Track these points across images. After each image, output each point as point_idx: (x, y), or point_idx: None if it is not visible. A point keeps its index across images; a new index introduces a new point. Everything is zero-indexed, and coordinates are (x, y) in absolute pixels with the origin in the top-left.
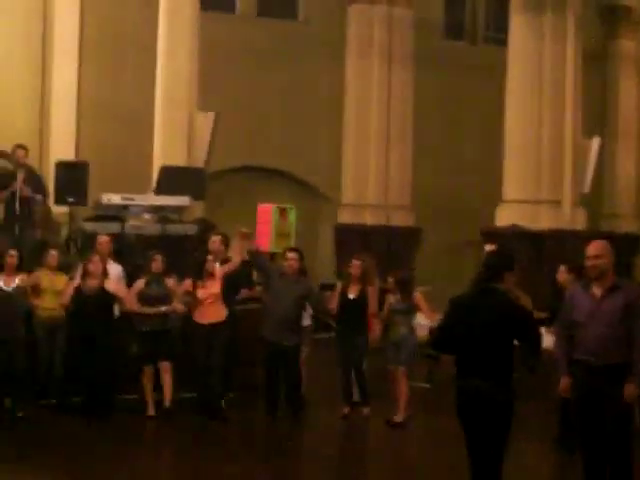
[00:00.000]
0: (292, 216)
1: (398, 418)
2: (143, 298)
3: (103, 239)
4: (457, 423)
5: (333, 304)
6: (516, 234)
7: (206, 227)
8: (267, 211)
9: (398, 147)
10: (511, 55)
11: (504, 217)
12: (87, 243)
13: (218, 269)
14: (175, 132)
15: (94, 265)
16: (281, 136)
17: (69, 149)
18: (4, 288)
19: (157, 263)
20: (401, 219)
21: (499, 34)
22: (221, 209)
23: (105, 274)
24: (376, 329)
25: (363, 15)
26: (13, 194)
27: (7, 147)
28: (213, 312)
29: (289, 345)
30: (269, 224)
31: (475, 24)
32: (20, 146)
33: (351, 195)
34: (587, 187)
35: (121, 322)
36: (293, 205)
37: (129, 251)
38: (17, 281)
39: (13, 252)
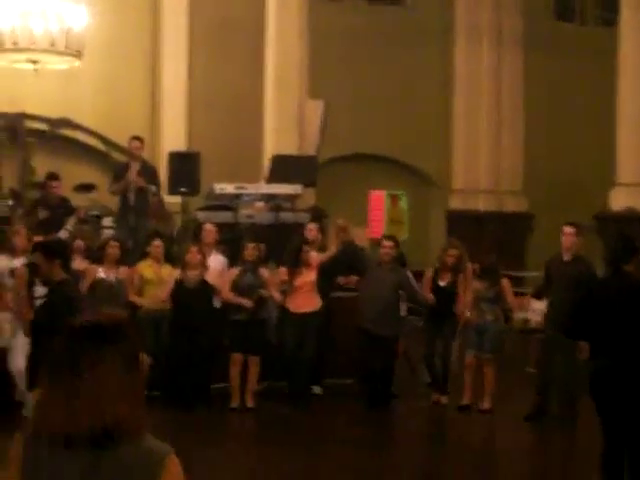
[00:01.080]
0: (404, 202)
1: (486, 404)
2: (238, 288)
3: (208, 227)
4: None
5: (428, 293)
6: (630, 218)
7: (318, 215)
8: (379, 198)
9: (509, 131)
10: (622, 35)
11: (618, 200)
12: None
13: (314, 257)
14: (286, 120)
15: (192, 256)
16: (391, 123)
17: (181, 140)
18: (105, 278)
19: (250, 251)
20: (513, 204)
21: (610, 14)
22: (333, 197)
23: (204, 265)
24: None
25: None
26: (128, 185)
27: (122, 140)
28: (307, 301)
29: (385, 335)
30: (381, 211)
31: (585, 4)
32: (135, 137)
33: (462, 181)
34: None
35: (219, 313)
36: (404, 191)
37: (241, 240)
38: (118, 272)
39: (114, 243)
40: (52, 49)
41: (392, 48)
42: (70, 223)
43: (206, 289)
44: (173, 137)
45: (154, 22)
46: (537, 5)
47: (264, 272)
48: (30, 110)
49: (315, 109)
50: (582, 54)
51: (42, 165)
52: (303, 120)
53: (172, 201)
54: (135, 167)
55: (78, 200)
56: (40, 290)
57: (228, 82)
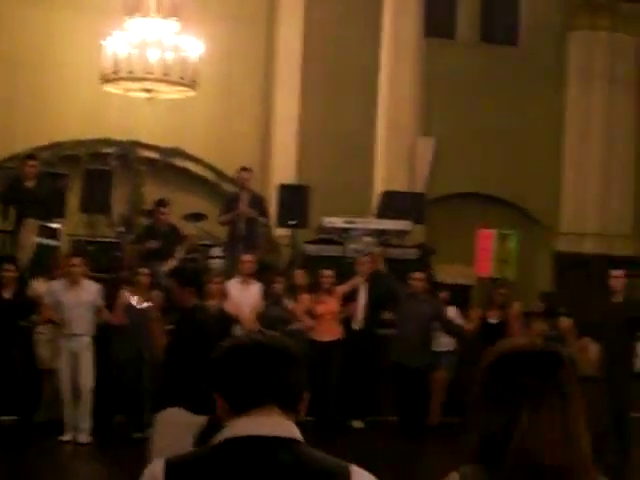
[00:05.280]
0: (513, 242)
1: None
2: (263, 319)
3: (246, 258)
4: None
5: (469, 326)
6: None
7: (426, 251)
8: (488, 236)
9: (620, 175)
10: None
11: None
12: (309, 265)
13: (338, 287)
14: (397, 157)
15: (214, 285)
16: (502, 162)
17: (291, 173)
18: (136, 306)
19: (277, 285)
20: (622, 248)
21: None
22: (441, 234)
23: (224, 295)
24: None
25: (584, 41)
26: (238, 215)
27: (232, 171)
28: (331, 329)
29: (418, 366)
30: (489, 250)
31: None
32: (244, 168)
33: (570, 223)
34: None
35: None
36: (514, 232)
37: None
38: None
39: (146, 270)
40: (166, 79)
41: (505, 88)
42: (179, 251)
43: (224, 318)
44: (283, 170)
45: (268, 56)
46: None
47: (288, 303)
48: (143, 139)
49: (426, 146)
50: None
51: (152, 194)
52: (414, 157)
53: (281, 234)
54: (245, 198)
55: (187, 229)
56: None
57: (340, 117)
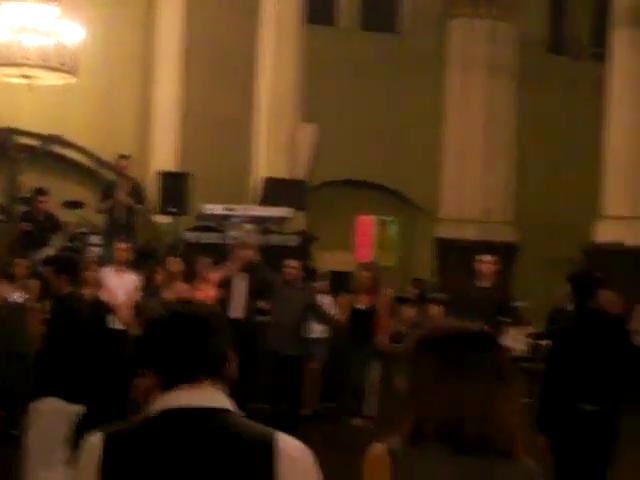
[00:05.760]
0: (393, 229)
1: None
2: (139, 310)
3: (120, 246)
4: None
5: (340, 315)
6: (619, 251)
7: (307, 238)
8: (368, 223)
9: (500, 162)
10: (612, 70)
11: (604, 233)
12: (189, 253)
13: (212, 274)
14: (279, 144)
15: (90, 273)
16: (383, 149)
17: (171, 160)
18: (10, 300)
19: (157, 275)
20: (502, 234)
21: (603, 49)
22: (322, 221)
23: (99, 283)
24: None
25: (465, 29)
26: (116, 204)
27: (111, 157)
28: None
29: (291, 354)
30: (369, 236)
31: (578, 39)
32: (123, 156)
33: (451, 209)
34: None
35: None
36: (395, 218)
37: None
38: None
39: (23, 261)
40: (46, 64)
41: (386, 75)
42: (57, 240)
43: (98, 307)
44: (164, 156)
45: (148, 41)
46: (531, 39)
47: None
48: (23, 126)
49: (308, 133)
50: (574, 88)
51: (31, 181)
52: (295, 143)
53: (162, 221)
54: (124, 185)
55: (66, 217)
56: None
57: (221, 103)
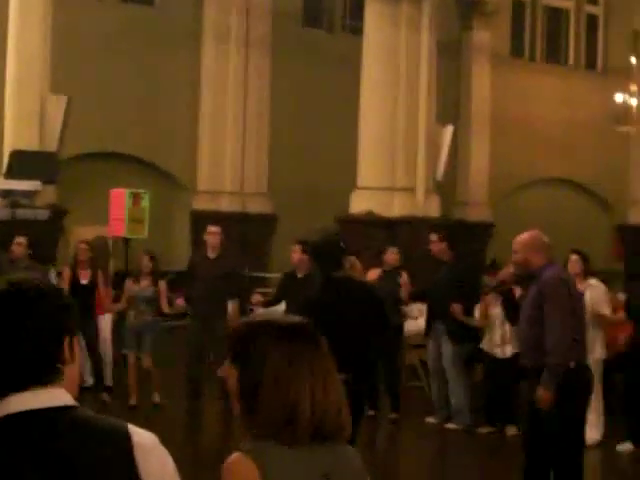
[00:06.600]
0: (146, 201)
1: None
2: None
3: None
4: None
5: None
6: (370, 221)
7: (58, 212)
8: (120, 196)
9: (255, 133)
10: (366, 44)
11: (359, 204)
12: None
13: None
14: (26, 115)
15: None
16: (138, 122)
17: None
18: None
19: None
20: (258, 206)
21: (357, 23)
22: (75, 195)
23: None
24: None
25: (219, 2)
26: None
27: None
28: None
29: None
30: (122, 209)
31: (333, 12)
32: None
33: (207, 182)
34: (440, 175)
35: None
36: (147, 190)
37: None
38: None
39: None
40: None
41: (141, 48)
42: None
43: None
44: None
45: None
46: (285, 10)
47: None
48: None
49: (58, 105)
50: (329, 60)
51: None
52: (44, 115)
53: None
54: None
55: None
56: None
57: None
